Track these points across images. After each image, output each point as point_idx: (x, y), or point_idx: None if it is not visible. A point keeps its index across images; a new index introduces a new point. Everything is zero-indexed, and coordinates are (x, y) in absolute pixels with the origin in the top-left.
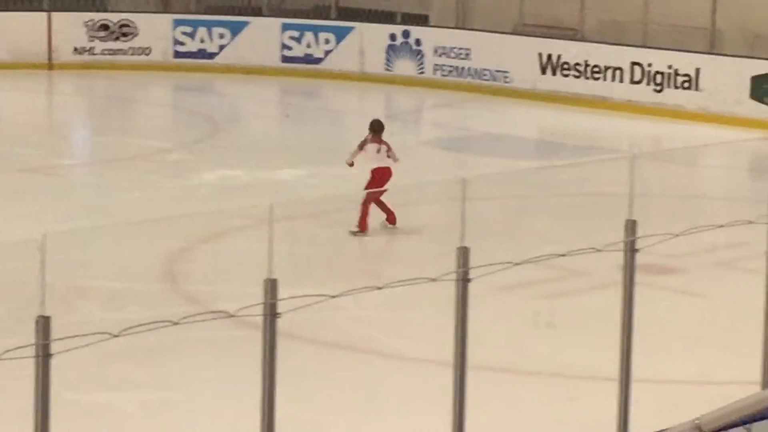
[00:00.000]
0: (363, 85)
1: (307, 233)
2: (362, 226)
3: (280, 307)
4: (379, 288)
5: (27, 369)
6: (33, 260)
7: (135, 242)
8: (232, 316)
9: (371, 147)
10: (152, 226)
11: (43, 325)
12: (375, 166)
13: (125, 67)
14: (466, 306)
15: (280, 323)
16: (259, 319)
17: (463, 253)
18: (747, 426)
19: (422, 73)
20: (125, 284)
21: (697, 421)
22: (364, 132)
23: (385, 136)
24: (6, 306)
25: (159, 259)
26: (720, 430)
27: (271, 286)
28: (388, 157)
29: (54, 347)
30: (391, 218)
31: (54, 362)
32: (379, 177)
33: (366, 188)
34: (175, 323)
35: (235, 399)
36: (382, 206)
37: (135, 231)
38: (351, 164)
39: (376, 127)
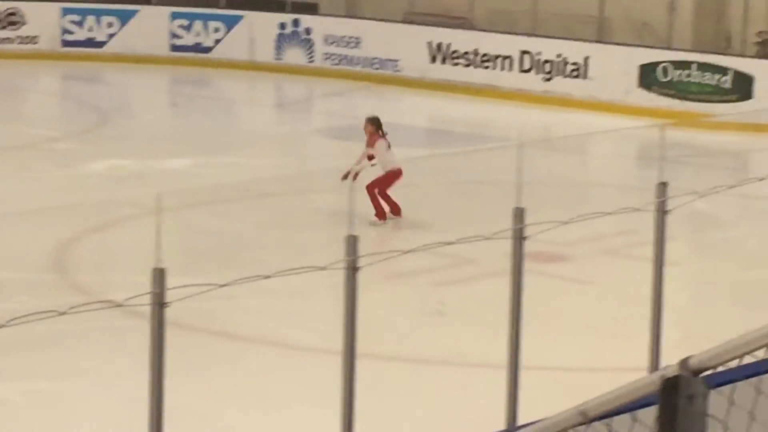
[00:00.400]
0: (253, 74)
1: (197, 223)
2: (383, 215)
3: (168, 296)
4: (268, 277)
5: None
6: None
7: (23, 232)
8: (120, 305)
9: (382, 144)
10: (40, 216)
11: None
12: (395, 166)
13: (13, 56)
14: (355, 295)
15: (169, 313)
16: (148, 309)
17: (352, 242)
18: (632, 412)
19: (312, 61)
20: (13, 274)
21: (581, 407)
22: (255, 121)
23: (274, 126)
24: None
25: (48, 248)
26: (605, 416)
27: (159, 276)
28: (389, 147)
29: None
30: (396, 209)
31: None
32: (398, 178)
33: (379, 183)
34: (63, 313)
35: (124, 389)
36: (389, 199)
37: (23, 220)
38: (355, 177)
39: (379, 123)
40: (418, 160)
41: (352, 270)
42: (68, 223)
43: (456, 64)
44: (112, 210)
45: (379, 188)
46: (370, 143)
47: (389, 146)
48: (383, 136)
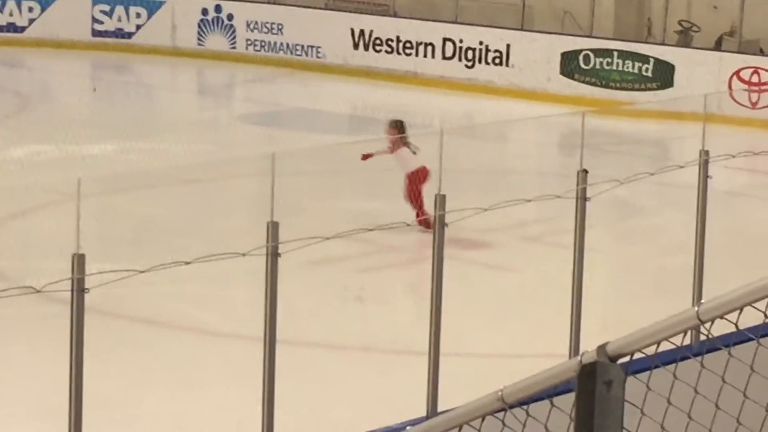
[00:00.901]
0: (175, 60)
1: (118, 209)
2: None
3: (88, 282)
4: (188, 263)
5: None
6: None
7: None
8: (39, 291)
9: (406, 153)
10: None
11: None
12: (416, 166)
13: None
14: (276, 280)
15: (90, 299)
16: (67, 295)
17: (273, 228)
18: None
19: (234, 47)
20: None
21: (500, 393)
22: (177, 107)
23: (196, 112)
24: None
25: None
26: (523, 402)
27: (79, 261)
28: (414, 153)
29: None
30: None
31: None
32: (423, 176)
33: (409, 189)
34: None
35: (44, 375)
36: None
37: None
38: (367, 156)
39: (402, 128)
40: (339, 146)
41: (273, 256)
42: None
43: (378, 50)
44: (31, 196)
45: (411, 193)
46: (393, 150)
47: (414, 153)
48: (406, 143)
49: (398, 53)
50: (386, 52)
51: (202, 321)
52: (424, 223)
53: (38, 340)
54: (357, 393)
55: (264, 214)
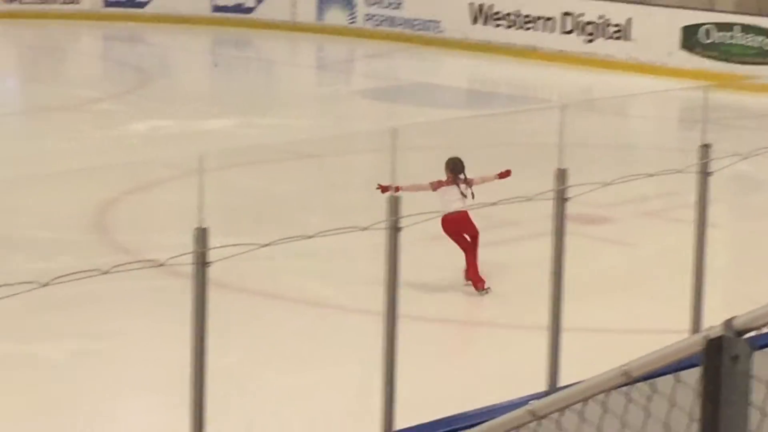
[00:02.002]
0: (294, 35)
1: (238, 183)
2: (480, 284)
3: (210, 256)
4: (310, 237)
5: None
6: None
7: (64, 192)
8: (161, 265)
9: (451, 191)
10: (82, 176)
11: None
12: (454, 209)
13: (55, 17)
14: (397, 255)
15: (211, 273)
16: (190, 269)
17: (394, 202)
18: (675, 373)
19: (354, 23)
20: (55, 234)
21: (625, 368)
22: (296, 82)
23: (315, 87)
24: None
25: (89, 209)
26: (648, 377)
27: (201, 235)
28: (464, 196)
29: None
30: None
31: None
32: (456, 221)
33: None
34: (105, 272)
35: (165, 349)
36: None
37: (65, 181)
38: (385, 189)
39: (456, 166)
40: (458, 121)
41: (394, 230)
42: (110, 183)
43: (498, 25)
44: (153, 170)
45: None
46: (435, 187)
47: (464, 195)
48: (458, 183)
49: (517, 28)
50: (505, 26)
51: (323, 295)
52: (474, 282)
53: (160, 314)
54: (477, 368)
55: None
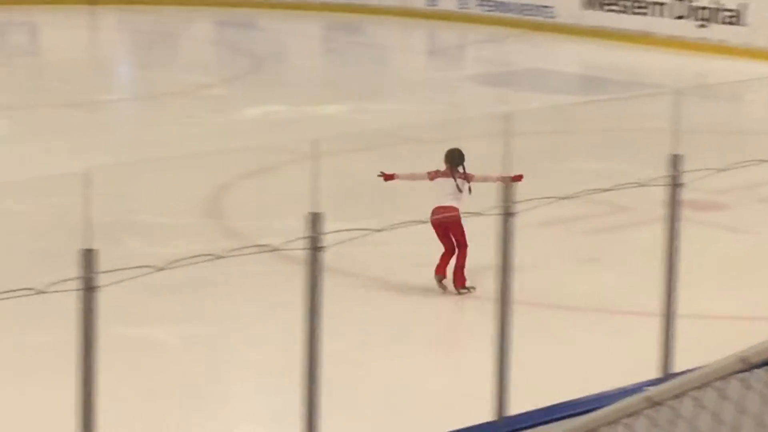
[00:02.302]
0: (405, 21)
1: (351, 168)
2: (440, 273)
3: (324, 241)
4: (424, 222)
5: (72, 302)
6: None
7: (178, 177)
8: (276, 249)
9: (445, 183)
10: (196, 162)
11: (88, 258)
12: (443, 204)
13: (168, 2)
14: (511, 240)
15: (324, 258)
16: (302, 254)
17: (507, 188)
18: None
19: (465, 8)
20: (169, 219)
21: (742, 354)
22: (408, 68)
23: (427, 72)
24: (50, 240)
25: (203, 194)
26: (765, 363)
27: (315, 220)
28: (459, 190)
29: (99, 281)
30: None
31: (99, 296)
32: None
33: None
34: (221, 257)
35: (278, 333)
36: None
37: (178, 166)
38: (387, 177)
39: (454, 158)
40: (571, 107)
41: (508, 215)
42: (223, 168)
43: (610, 10)
44: (266, 156)
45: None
46: (432, 177)
47: (459, 190)
48: (454, 175)
49: (630, 13)
50: (618, 11)
51: (434, 281)
52: (456, 281)
53: (273, 298)
54: (590, 354)
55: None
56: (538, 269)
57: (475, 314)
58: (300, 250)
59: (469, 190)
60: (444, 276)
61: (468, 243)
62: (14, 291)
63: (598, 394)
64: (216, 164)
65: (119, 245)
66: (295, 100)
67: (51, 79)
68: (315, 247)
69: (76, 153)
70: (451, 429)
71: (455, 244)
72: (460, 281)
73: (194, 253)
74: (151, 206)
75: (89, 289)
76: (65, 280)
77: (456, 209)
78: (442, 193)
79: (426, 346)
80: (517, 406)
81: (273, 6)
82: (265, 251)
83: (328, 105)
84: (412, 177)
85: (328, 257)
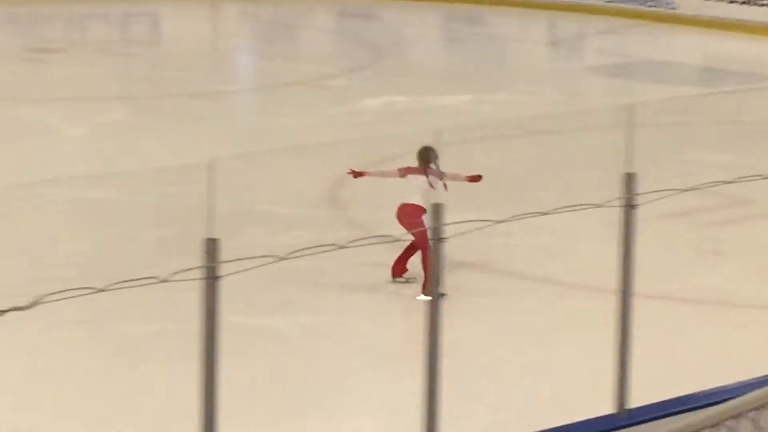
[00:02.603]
0: (525, 11)
1: (472, 159)
2: (398, 271)
3: (445, 232)
4: (545, 214)
5: (194, 292)
6: (199, 184)
7: (299, 168)
8: (397, 240)
9: (417, 180)
10: (316, 152)
11: (211, 247)
12: (410, 201)
13: None
14: (632, 233)
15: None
16: None
17: (630, 179)
18: None
19: None
20: (289, 209)
21: None
22: (528, 58)
23: (547, 63)
24: (173, 229)
25: (323, 184)
26: None
27: (436, 211)
28: (431, 186)
29: (221, 270)
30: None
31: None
32: (405, 213)
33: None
34: (343, 247)
35: (399, 323)
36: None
37: (299, 156)
38: (356, 174)
39: (426, 155)
40: (692, 98)
41: (629, 208)
42: (344, 159)
43: (732, 1)
44: (387, 146)
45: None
46: (403, 174)
47: (431, 186)
48: (426, 171)
49: (752, 4)
50: (740, 3)
51: (556, 273)
52: (394, 267)
53: (393, 289)
54: (712, 347)
55: (618, 165)
56: (659, 262)
57: (595, 306)
58: None
59: (445, 186)
60: (405, 271)
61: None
62: (138, 280)
63: (718, 388)
64: (336, 155)
65: (240, 235)
66: (415, 90)
67: (173, 70)
68: (437, 238)
69: (197, 143)
70: (571, 421)
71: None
72: (399, 269)
73: (314, 243)
74: (272, 196)
75: (212, 278)
76: (188, 270)
77: (421, 207)
78: (410, 191)
79: (546, 338)
80: (638, 399)
81: None
82: (386, 242)
83: (448, 96)
84: (383, 174)
85: (448, 248)
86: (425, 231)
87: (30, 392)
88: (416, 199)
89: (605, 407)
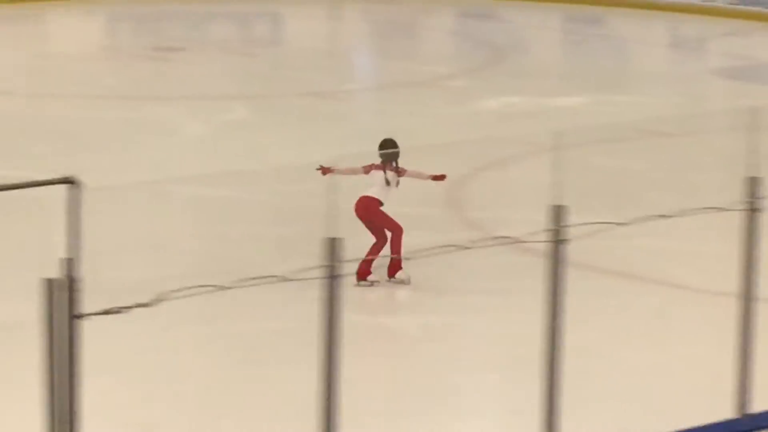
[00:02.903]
0: (647, 13)
1: (591, 161)
2: (362, 276)
3: (567, 233)
4: (667, 217)
5: (312, 290)
6: (319, 183)
7: (419, 167)
8: (519, 241)
9: (375, 176)
10: (434, 152)
11: (332, 246)
12: (369, 194)
13: None
14: (756, 236)
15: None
16: (542, 246)
17: (753, 183)
18: None
19: (708, 0)
20: (409, 209)
21: None
22: (649, 60)
23: (669, 65)
24: (293, 228)
25: (441, 184)
26: None
27: (558, 213)
28: (387, 183)
29: (342, 269)
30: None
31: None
32: (361, 206)
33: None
34: (464, 248)
35: (518, 325)
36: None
37: (417, 156)
38: (325, 171)
39: (387, 147)
40: None
41: (754, 211)
42: (462, 159)
43: None
44: (505, 147)
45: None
46: (367, 170)
47: (388, 183)
48: (386, 168)
49: None
50: None
51: (676, 276)
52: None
53: (512, 290)
54: None
55: (741, 169)
56: None
57: (716, 309)
58: (542, 243)
59: (397, 183)
60: (369, 274)
61: (401, 227)
62: (259, 278)
63: None
64: (455, 155)
65: (359, 235)
66: (534, 91)
67: (293, 69)
68: (558, 240)
69: (317, 142)
70: (692, 425)
71: (385, 235)
72: (394, 269)
73: (433, 244)
74: None
75: (333, 277)
76: (310, 268)
77: (376, 199)
78: (370, 185)
79: (667, 339)
80: (760, 404)
81: None
82: (507, 243)
83: (568, 97)
84: (350, 171)
85: (569, 250)
86: (384, 217)
87: (154, 387)
88: (373, 192)
89: (726, 411)
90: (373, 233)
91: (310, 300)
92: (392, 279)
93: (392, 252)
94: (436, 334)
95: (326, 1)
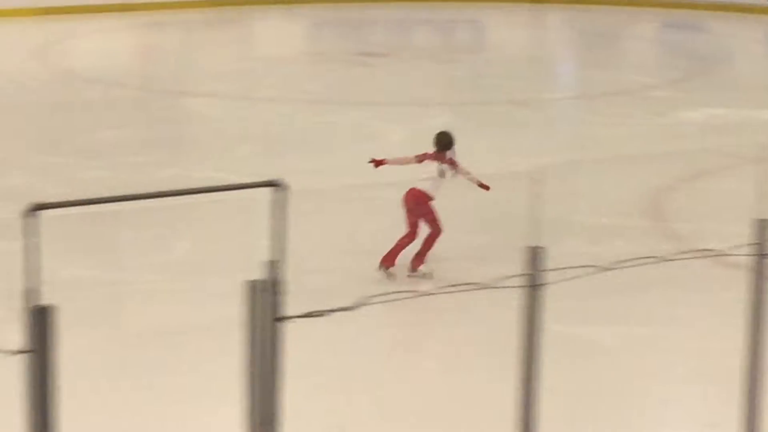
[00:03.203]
0: None
1: None
2: (387, 263)
3: None
4: None
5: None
6: (519, 191)
7: (618, 178)
8: (722, 254)
9: (430, 167)
10: (636, 163)
11: (534, 255)
12: (419, 187)
13: (613, 2)
14: None
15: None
16: (744, 260)
17: None
18: None
19: None
20: (609, 219)
21: None
22: None
23: None
24: (493, 235)
25: (643, 195)
26: None
27: (762, 227)
28: (441, 176)
29: (544, 278)
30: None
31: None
32: (410, 198)
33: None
34: (666, 260)
35: (718, 339)
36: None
37: (618, 167)
38: (378, 163)
39: (443, 140)
40: None
41: None
42: (663, 170)
43: None
44: (709, 159)
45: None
46: (420, 160)
47: (442, 175)
48: (441, 159)
49: None
50: None
51: None
52: (385, 258)
53: (712, 303)
54: None
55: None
56: None
57: None
58: (744, 256)
59: (451, 176)
60: (392, 265)
61: (443, 229)
62: (461, 285)
63: None
64: (656, 166)
65: (561, 243)
66: (739, 103)
67: (495, 77)
68: (762, 254)
69: (518, 150)
70: None
71: (420, 229)
72: (417, 262)
73: (633, 254)
74: (591, 206)
75: (535, 286)
76: (512, 276)
77: (424, 194)
78: (422, 176)
79: None
80: None
81: (720, 8)
82: (709, 255)
83: None
84: (402, 161)
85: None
86: (432, 215)
87: (356, 392)
88: (423, 185)
89: None
90: (408, 226)
91: (510, 308)
92: (413, 273)
93: (424, 246)
94: (635, 346)
95: (529, 9)
